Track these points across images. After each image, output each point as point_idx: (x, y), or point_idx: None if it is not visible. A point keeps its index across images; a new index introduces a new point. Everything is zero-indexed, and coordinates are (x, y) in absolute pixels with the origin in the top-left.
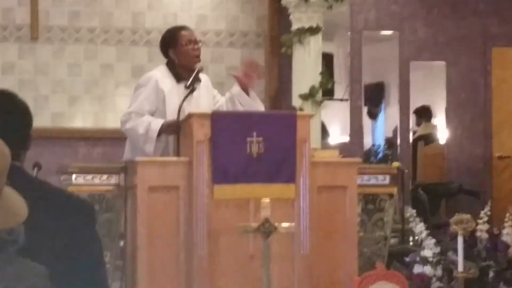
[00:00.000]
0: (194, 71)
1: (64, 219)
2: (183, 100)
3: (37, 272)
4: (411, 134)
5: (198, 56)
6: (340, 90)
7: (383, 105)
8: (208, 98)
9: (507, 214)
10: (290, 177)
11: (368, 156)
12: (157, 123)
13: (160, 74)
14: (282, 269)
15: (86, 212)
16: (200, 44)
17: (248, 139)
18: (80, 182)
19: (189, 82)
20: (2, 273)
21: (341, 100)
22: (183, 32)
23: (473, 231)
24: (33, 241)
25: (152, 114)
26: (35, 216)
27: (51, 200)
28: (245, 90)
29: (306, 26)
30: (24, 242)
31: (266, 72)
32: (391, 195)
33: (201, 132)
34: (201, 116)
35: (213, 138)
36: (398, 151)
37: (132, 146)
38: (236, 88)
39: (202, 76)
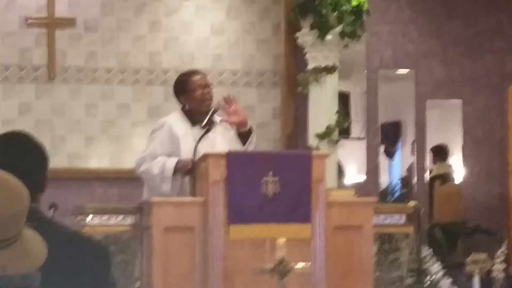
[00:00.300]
0: (208, 113)
1: (79, 262)
2: (199, 140)
3: None
4: (427, 173)
5: (209, 100)
6: (357, 129)
7: (399, 144)
8: (225, 137)
9: None
10: (306, 217)
11: (385, 195)
12: (172, 162)
13: (174, 119)
14: None
15: (102, 255)
16: (212, 87)
17: (264, 178)
18: (96, 223)
19: (204, 122)
20: None
21: (358, 139)
22: (193, 78)
23: (490, 271)
24: (48, 284)
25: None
26: (51, 258)
27: (67, 243)
28: (242, 132)
29: (322, 65)
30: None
31: (282, 111)
32: (407, 235)
33: (217, 172)
34: (217, 156)
35: (228, 178)
36: (415, 190)
37: (149, 187)
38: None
39: (219, 116)
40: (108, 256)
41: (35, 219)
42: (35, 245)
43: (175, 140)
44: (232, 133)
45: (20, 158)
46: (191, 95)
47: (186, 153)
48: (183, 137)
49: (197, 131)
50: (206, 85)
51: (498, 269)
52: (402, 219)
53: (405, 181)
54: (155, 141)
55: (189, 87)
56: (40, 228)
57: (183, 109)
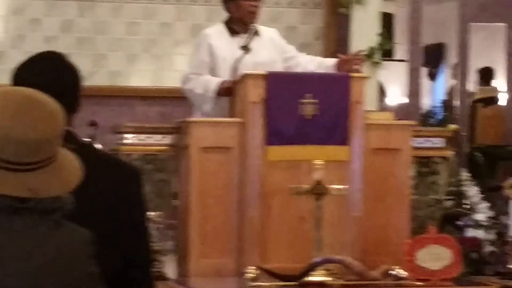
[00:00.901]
0: (249, 27)
1: (112, 184)
2: (238, 61)
3: (83, 238)
4: (470, 95)
5: (254, 13)
6: (400, 50)
7: (443, 66)
8: (271, 53)
9: None
10: (344, 139)
11: (427, 117)
12: (214, 82)
13: (215, 30)
14: (334, 231)
15: (134, 178)
16: (260, 2)
17: (302, 100)
18: (134, 142)
19: (244, 42)
20: (48, 238)
21: (401, 61)
22: None
23: None
24: (81, 204)
25: (212, 70)
26: (84, 180)
27: (100, 165)
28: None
29: None
30: (72, 208)
31: (324, 32)
32: (445, 158)
33: (255, 93)
34: (256, 76)
35: (267, 99)
36: (457, 112)
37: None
38: (332, 63)
39: (266, 30)
40: (140, 179)
41: (68, 142)
42: (70, 168)
43: (212, 51)
44: (277, 44)
45: (53, 78)
46: (239, 4)
47: (222, 66)
48: (220, 49)
49: (236, 44)
50: None
51: None
52: (441, 142)
53: (447, 104)
54: (197, 56)
55: None
56: (72, 150)
57: (226, 19)
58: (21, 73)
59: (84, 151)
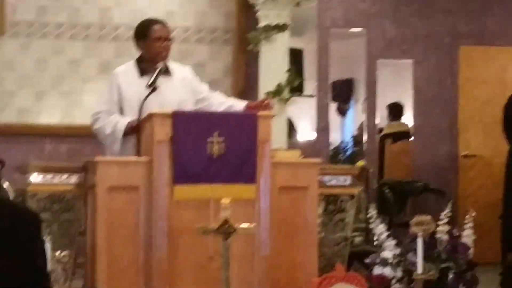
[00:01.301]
0: (155, 65)
1: (9, 230)
2: (144, 100)
3: None
4: (378, 131)
5: (164, 53)
6: (310, 86)
7: (352, 102)
8: (181, 94)
9: (467, 216)
10: (251, 178)
11: (337, 153)
12: (123, 123)
13: (124, 68)
14: (242, 270)
15: (33, 222)
16: (171, 42)
17: (209, 139)
18: (41, 181)
19: (150, 81)
20: None
21: (310, 96)
22: (155, 27)
23: (434, 233)
24: None
25: (120, 110)
26: None
27: None
28: None
29: (274, 23)
30: None
31: (233, 69)
32: (352, 196)
33: (162, 131)
34: (162, 115)
35: (174, 138)
36: (365, 148)
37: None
38: (241, 108)
39: (179, 68)
40: (39, 223)
41: None
42: None
43: (120, 91)
44: (189, 84)
45: None
46: (149, 44)
47: (129, 105)
48: (127, 88)
49: (143, 82)
50: (166, 38)
51: (442, 231)
52: (348, 180)
53: (357, 139)
54: (106, 94)
55: (149, 35)
56: None
57: (138, 58)
58: None
59: None
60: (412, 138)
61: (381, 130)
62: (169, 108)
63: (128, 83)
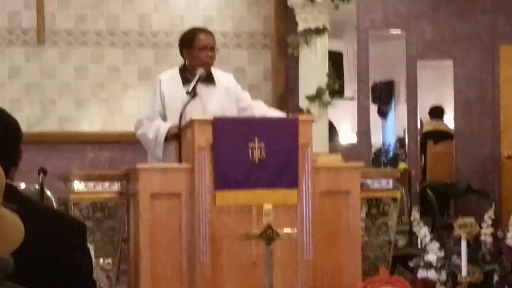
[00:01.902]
0: (194, 72)
1: (54, 239)
2: (184, 107)
3: None
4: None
5: (208, 63)
6: (351, 88)
7: (393, 104)
8: (223, 102)
9: (511, 218)
10: (292, 183)
11: (379, 155)
12: (164, 127)
13: (168, 75)
14: (285, 275)
15: (77, 231)
16: (216, 51)
17: (250, 144)
18: (83, 189)
19: (190, 88)
20: None
21: (350, 99)
22: (201, 36)
23: (478, 235)
24: (23, 262)
25: (163, 116)
26: (26, 236)
27: (41, 220)
28: None
29: (312, 26)
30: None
31: (273, 73)
32: (394, 199)
33: (203, 138)
34: (203, 122)
35: (214, 144)
36: (407, 150)
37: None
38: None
39: (222, 76)
40: (84, 232)
41: (8, 196)
42: (10, 228)
43: (163, 99)
44: (232, 91)
45: None
46: (194, 53)
47: (172, 113)
48: (169, 96)
49: (186, 90)
50: (211, 48)
51: (486, 233)
52: (390, 183)
53: (398, 141)
54: (149, 101)
55: (194, 44)
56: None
57: (182, 66)
58: None
59: (24, 204)
60: (454, 139)
61: (421, 131)
62: (211, 115)
63: (172, 90)
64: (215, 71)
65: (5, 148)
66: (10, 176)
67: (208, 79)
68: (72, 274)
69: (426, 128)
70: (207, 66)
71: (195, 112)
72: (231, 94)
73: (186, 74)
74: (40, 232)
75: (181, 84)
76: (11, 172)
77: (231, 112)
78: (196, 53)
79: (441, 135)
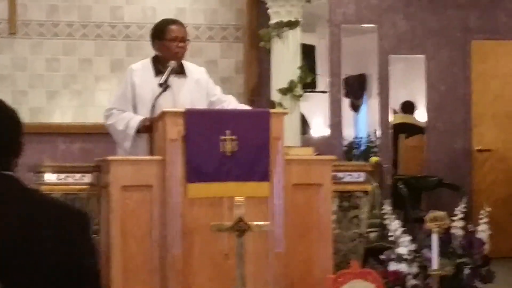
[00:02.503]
0: (166, 64)
1: (58, 231)
2: (156, 98)
3: None
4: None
5: (179, 53)
6: (323, 82)
7: (365, 97)
8: (193, 94)
9: (482, 211)
10: (264, 175)
11: (351, 148)
12: (136, 120)
13: (140, 66)
14: (256, 267)
15: (81, 223)
16: (187, 43)
17: (222, 137)
18: (54, 181)
19: (162, 80)
20: None
21: (322, 92)
22: (172, 27)
23: (449, 228)
24: (28, 254)
25: (133, 105)
26: (29, 228)
27: (45, 212)
28: None
29: (285, 20)
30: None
31: (245, 66)
32: (366, 192)
33: (175, 130)
34: (175, 114)
35: (186, 136)
36: (379, 143)
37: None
38: None
39: (194, 69)
40: (88, 223)
41: (11, 188)
42: None
43: (134, 88)
44: (203, 85)
45: None
46: (165, 44)
47: (142, 104)
48: (140, 87)
49: (158, 81)
50: (182, 39)
51: (457, 226)
52: (362, 176)
53: (370, 135)
54: (120, 91)
55: (165, 36)
56: (16, 196)
57: (155, 56)
58: None
59: (28, 195)
60: (425, 133)
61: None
62: (181, 107)
63: (143, 81)
64: (187, 64)
65: (5, 140)
66: (11, 168)
67: (180, 71)
68: (74, 265)
69: (396, 120)
70: (178, 57)
71: (165, 103)
72: (201, 87)
73: (158, 65)
74: (43, 223)
75: (153, 75)
76: (12, 164)
77: (201, 105)
78: (167, 44)
79: (413, 129)
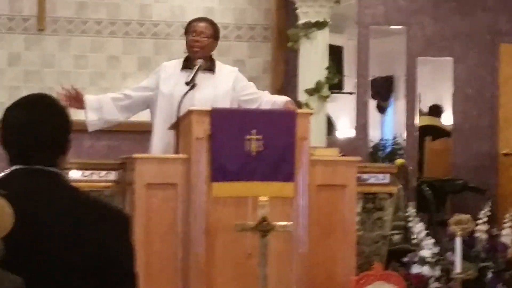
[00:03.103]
0: (194, 62)
1: (99, 231)
2: (183, 97)
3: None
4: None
5: (195, 47)
6: (350, 83)
7: (392, 99)
8: (221, 87)
9: (507, 215)
10: (289, 176)
11: (377, 150)
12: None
13: (173, 63)
14: (279, 267)
15: (121, 223)
16: (207, 39)
17: (247, 136)
18: (79, 178)
19: (189, 78)
20: None
21: (349, 93)
22: (193, 23)
23: (473, 232)
24: (67, 252)
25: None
26: (70, 226)
27: (86, 211)
28: None
29: (313, 20)
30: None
31: (272, 66)
32: (390, 194)
33: (201, 129)
34: (200, 112)
35: (212, 135)
36: (405, 145)
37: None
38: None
39: (224, 67)
40: (128, 223)
41: (55, 185)
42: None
43: (157, 81)
44: (230, 84)
45: (45, 120)
46: (186, 38)
47: (163, 96)
48: (165, 79)
49: (183, 76)
50: (199, 32)
51: (481, 230)
52: (386, 178)
53: (396, 137)
54: (141, 82)
55: (187, 30)
56: (59, 194)
57: (186, 55)
58: (12, 112)
59: (71, 193)
60: (452, 136)
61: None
62: (206, 105)
63: (169, 75)
64: (219, 63)
65: (55, 137)
66: (58, 164)
67: (209, 67)
68: (112, 267)
69: (422, 122)
70: (193, 50)
71: (187, 99)
72: (228, 86)
73: (187, 62)
74: (84, 222)
75: (179, 70)
76: (58, 161)
77: (224, 103)
78: (187, 38)
79: (439, 132)
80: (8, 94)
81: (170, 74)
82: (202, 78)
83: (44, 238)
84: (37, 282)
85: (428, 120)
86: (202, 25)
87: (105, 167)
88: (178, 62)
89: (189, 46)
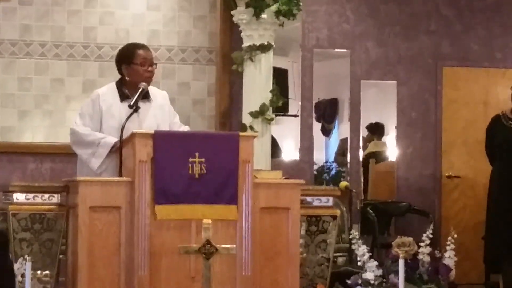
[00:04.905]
0: (137, 85)
1: None
2: (126, 120)
3: None
4: (361, 151)
5: (149, 78)
6: (295, 106)
7: (336, 122)
8: (158, 119)
9: (449, 237)
10: (232, 198)
11: (321, 172)
12: (107, 141)
13: (105, 90)
14: None
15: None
16: (155, 67)
17: (190, 159)
18: (22, 201)
19: (132, 101)
20: None
21: (294, 116)
22: (140, 51)
23: (416, 254)
24: None
25: (96, 120)
26: None
27: None
28: None
29: (257, 43)
30: None
31: (217, 88)
32: (334, 217)
33: (144, 151)
34: (144, 135)
35: (155, 158)
36: (349, 168)
37: (80, 162)
38: None
39: (157, 92)
40: (5, 241)
41: None
42: None
43: (100, 112)
44: (166, 109)
45: None
46: (133, 68)
47: (108, 129)
48: (107, 112)
49: (124, 106)
50: (151, 63)
51: (424, 252)
52: (330, 201)
53: (341, 159)
54: (87, 112)
55: (134, 60)
56: None
57: (118, 81)
58: None
59: None
60: (395, 159)
61: (364, 149)
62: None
63: (109, 106)
64: (151, 88)
65: None
66: None
67: (145, 95)
68: None
69: (370, 149)
70: (148, 81)
71: (132, 127)
72: (165, 112)
73: (123, 89)
74: None
75: (119, 100)
76: None
77: (165, 128)
78: (136, 68)
79: (383, 154)
80: None
81: (110, 105)
82: (142, 106)
83: None
84: None
85: (374, 147)
86: (150, 54)
87: (48, 190)
88: (113, 90)
89: (141, 77)
